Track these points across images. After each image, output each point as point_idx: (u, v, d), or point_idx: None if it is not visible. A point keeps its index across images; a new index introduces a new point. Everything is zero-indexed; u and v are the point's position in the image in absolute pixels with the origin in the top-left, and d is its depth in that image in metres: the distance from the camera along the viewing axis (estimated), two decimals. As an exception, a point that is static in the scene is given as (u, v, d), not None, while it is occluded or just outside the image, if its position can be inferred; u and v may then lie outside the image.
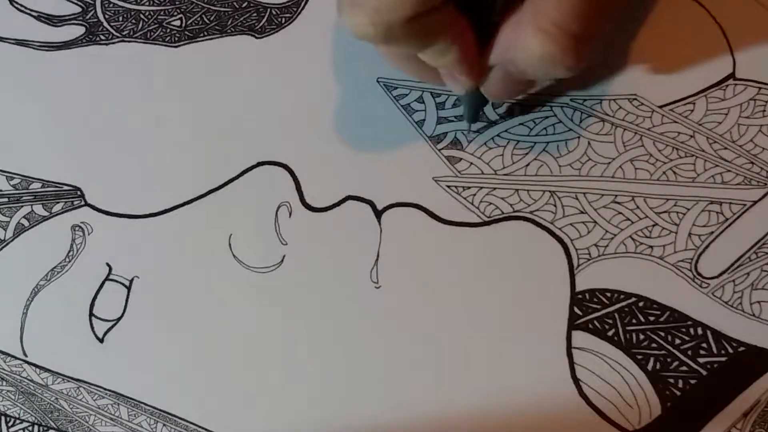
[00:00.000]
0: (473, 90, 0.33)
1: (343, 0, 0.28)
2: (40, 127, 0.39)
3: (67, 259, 0.36)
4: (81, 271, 0.36)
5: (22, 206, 0.37)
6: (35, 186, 0.38)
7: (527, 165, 0.35)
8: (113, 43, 0.40)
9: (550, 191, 0.35)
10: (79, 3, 0.41)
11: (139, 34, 0.40)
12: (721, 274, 0.33)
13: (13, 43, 0.41)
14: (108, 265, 0.36)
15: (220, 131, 0.37)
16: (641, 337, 0.32)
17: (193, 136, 0.38)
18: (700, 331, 0.32)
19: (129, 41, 0.40)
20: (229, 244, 0.35)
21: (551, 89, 0.36)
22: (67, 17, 0.41)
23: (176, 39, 0.40)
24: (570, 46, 0.28)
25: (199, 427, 0.33)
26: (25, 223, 0.37)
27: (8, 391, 0.35)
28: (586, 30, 0.28)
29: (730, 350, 0.32)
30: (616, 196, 0.34)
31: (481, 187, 0.35)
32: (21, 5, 0.41)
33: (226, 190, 0.36)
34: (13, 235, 0.37)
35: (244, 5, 0.40)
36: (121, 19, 0.40)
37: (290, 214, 0.36)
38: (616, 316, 0.33)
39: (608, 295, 0.33)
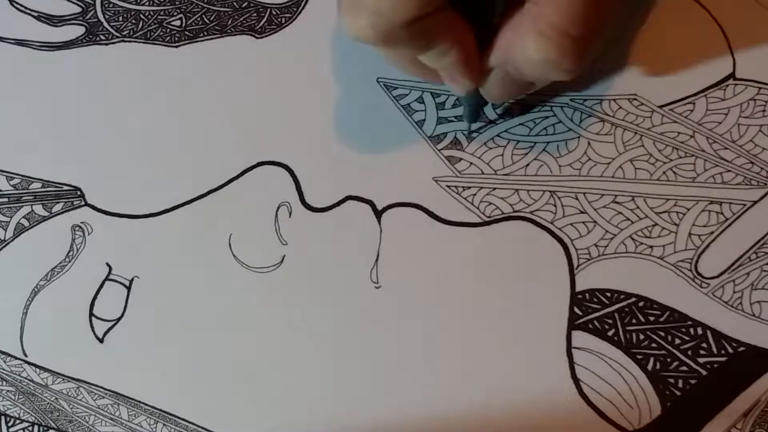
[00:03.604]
0: (473, 91, 0.33)
1: (343, 3, 0.28)
2: (40, 127, 0.39)
3: (67, 259, 0.36)
4: (81, 271, 0.36)
5: (22, 206, 0.37)
6: (35, 186, 0.38)
7: (527, 165, 0.35)
8: (113, 43, 0.40)
9: (550, 191, 0.35)
10: (79, 3, 0.41)
11: (139, 34, 0.40)
12: (721, 274, 0.33)
13: (13, 43, 0.41)
14: (108, 265, 0.36)
15: (220, 131, 0.37)
16: (641, 337, 0.32)
17: (193, 136, 0.38)
18: (700, 331, 0.32)
19: (129, 41, 0.40)
20: (229, 244, 0.35)
21: (551, 89, 0.36)
22: (67, 17, 0.41)
23: (176, 39, 0.40)
24: (569, 50, 0.28)
25: (199, 427, 0.33)
26: (25, 223, 0.37)
27: (8, 391, 0.35)
28: (586, 33, 0.28)
29: (730, 350, 0.32)
30: (616, 196, 0.34)
31: (481, 187, 0.35)
32: (21, 5, 0.41)
33: (226, 190, 0.36)
34: (13, 235, 0.37)
35: (244, 5, 0.40)
36: (121, 19, 0.40)
37: (290, 214, 0.36)
38: (616, 316, 0.33)
39: (608, 295, 0.33)
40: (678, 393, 0.32)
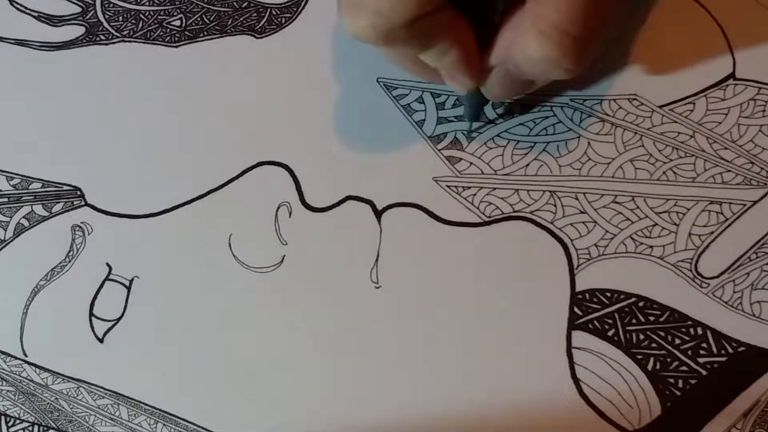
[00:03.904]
0: (474, 90, 0.33)
1: (343, 2, 0.28)
2: (39, 127, 0.39)
3: (67, 259, 0.36)
4: (81, 271, 0.36)
5: (22, 206, 0.37)
6: (35, 186, 0.38)
7: (527, 165, 0.35)
8: (113, 43, 0.40)
9: (550, 191, 0.35)
10: (79, 3, 0.41)
11: (139, 34, 0.40)
12: (721, 274, 0.33)
13: (13, 43, 0.41)
14: (108, 265, 0.36)
15: (220, 131, 0.37)
16: (641, 337, 0.32)
17: (193, 136, 0.38)
18: (700, 331, 0.32)
19: (129, 41, 0.40)
20: (229, 244, 0.35)
21: (551, 89, 0.36)
22: (67, 17, 0.41)
23: (176, 39, 0.40)
24: (569, 49, 0.28)
25: (199, 427, 0.33)
26: (25, 223, 0.37)
27: (8, 391, 0.35)
28: (586, 32, 0.28)
29: (730, 350, 0.32)
30: (616, 196, 0.34)
31: (481, 187, 0.35)
32: (21, 5, 0.41)
33: (226, 190, 0.36)
34: (13, 235, 0.37)
35: (244, 5, 0.40)
36: (121, 19, 0.40)
37: (290, 214, 0.36)
38: (616, 316, 0.33)
39: (608, 295, 0.33)
40: (678, 393, 0.32)
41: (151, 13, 0.40)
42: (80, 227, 0.37)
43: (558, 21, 0.28)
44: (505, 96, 0.34)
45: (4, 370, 0.35)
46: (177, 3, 0.40)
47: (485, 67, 0.31)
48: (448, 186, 0.35)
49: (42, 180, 0.38)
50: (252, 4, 0.40)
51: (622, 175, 0.34)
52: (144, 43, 0.40)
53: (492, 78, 0.32)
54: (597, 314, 0.33)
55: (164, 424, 0.34)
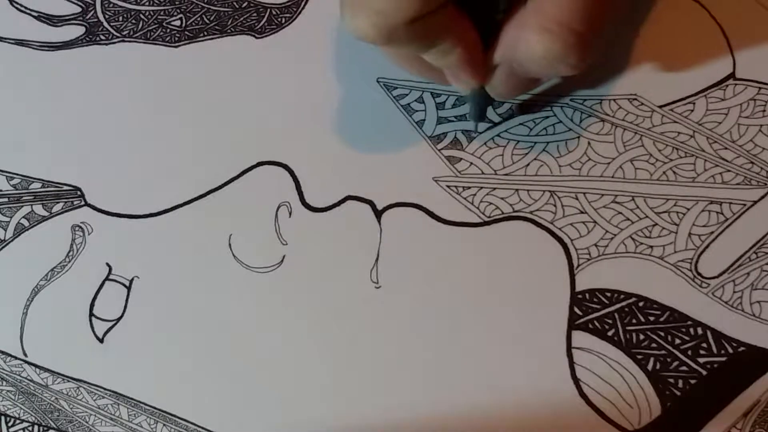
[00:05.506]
0: (478, 89, 0.33)
1: (345, 2, 0.28)
2: (39, 127, 0.39)
3: (67, 259, 0.36)
4: (81, 271, 0.36)
5: (22, 206, 0.37)
6: (35, 186, 0.38)
7: (527, 165, 0.35)
8: (113, 43, 0.40)
9: (550, 191, 0.35)
10: (79, 3, 0.41)
11: (139, 34, 0.40)
12: (721, 274, 0.33)
13: (13, 43, 0.41)
14: (108, 265, 0.36)
15: (220, 131, 0.37)
16: (641, 337, 0.32)
17: (193, 136, 0.38)
18: (700, 331, 0.32)
19: (129, 41, 0.40)
20: (229, 244, 0.35)
21: (551, 89, 0.36)
22: (67, 17, 0.41)
23: (176, 39, 0.40)
24: (573, 44, 0.28)
25: (199, 427, 0.33)
26: (25, 223, 0.37)
27: (8, 391, 0.35)
28: (589, 27, 0.28)
29: (730, 350, 0.32)
30: (616, 196, 0.34)
31: (481, 187, 0.35)
32: (21, 5, 0.41)
33: (226, 190, 0.36)
34: (13, 235, 0.37)
35: (244, 5, 0.40)
36: (121, 19, 0.40)
37: (290, 214, 0.36)
38: (616, 316, 0.33)
39: (608, 295, 0.33)
40: (678, 393, 0.32)
41: (151, 13, 0.40)
42: (80, 227, 0.37)
43: (561, 17, 0.28)
44: (511, 95, 0.34)
45: (4, 370, 0.35)
46: (177, 3, 0.40)
47: (489, 65, 0.31)
48: (448, 186, 0.35)
49: (42, 180, 0.38)
50: (252, 4, 0.40)
51: (622, 175, 0.34)
52: (144, 43, 0.40)
53: (496, 77, 0.32)
54: (597, 314, 0.33)
55: (164, 424, 0.34)
